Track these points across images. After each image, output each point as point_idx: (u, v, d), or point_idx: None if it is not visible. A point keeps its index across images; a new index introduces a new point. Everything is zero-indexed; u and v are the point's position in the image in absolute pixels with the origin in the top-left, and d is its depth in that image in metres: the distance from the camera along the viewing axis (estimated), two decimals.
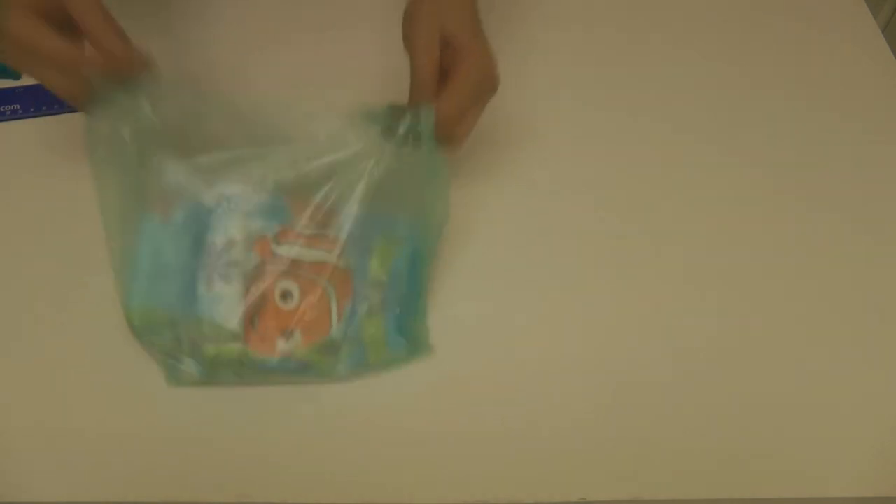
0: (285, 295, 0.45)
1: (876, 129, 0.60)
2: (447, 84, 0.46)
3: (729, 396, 0.47)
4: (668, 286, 0.51)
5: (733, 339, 0.49)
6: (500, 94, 0.48)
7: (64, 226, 0.53)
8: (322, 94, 0.58)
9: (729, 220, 0.54)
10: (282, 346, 0.45)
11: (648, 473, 0.45)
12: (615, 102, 0.60)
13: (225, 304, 0.44)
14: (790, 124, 0.60)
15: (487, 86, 0.47)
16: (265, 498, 0.43)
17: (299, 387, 0.47)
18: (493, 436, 0.46)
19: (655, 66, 0.63)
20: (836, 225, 0.55)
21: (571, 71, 0.62)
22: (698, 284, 0.52)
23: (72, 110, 0.58)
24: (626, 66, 0.63)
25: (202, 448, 0.45)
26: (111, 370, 0.47)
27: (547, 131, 0.58)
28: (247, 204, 0.46)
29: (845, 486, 0.45)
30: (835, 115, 0.60)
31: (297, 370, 0.45)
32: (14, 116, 0.58)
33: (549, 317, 0.50)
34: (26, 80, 0.60)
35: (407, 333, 0.48)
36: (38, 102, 0.59)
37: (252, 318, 0.45)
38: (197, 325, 0.44)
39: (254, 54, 0.62)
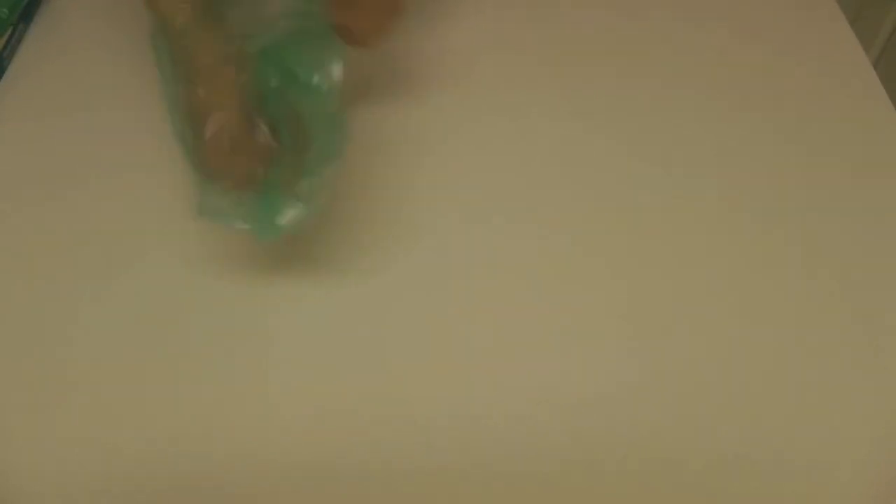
0: None
1: (864, 162, 0.60)
2: None
3: (725, 403, 0.46)
4: (662, 293, 0.51)
5: (729, 347, 0.48)
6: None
7: None
8: None
9: (721, 228, 0.54)
10: None
11: (641, 483, 0.44)
12: (608, 128, 0.61)
13: None
14: (774, 156, 0.60)
15: None
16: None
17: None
18: (492, 441, 0.45)
19: (643, 102, 0.63)
20: (826, 237, 0.55)
21: (566, 93, 0.63)
22: (690, 296, 0.51)
23: None
24: (617, 103, 0.63)
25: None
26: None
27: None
28: None
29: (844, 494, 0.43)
30: (823, 152, 0.60)
31: None
32: None
33: (534, 330, 0.49)
34: None
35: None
36: None
37: None
38: None
39: None
